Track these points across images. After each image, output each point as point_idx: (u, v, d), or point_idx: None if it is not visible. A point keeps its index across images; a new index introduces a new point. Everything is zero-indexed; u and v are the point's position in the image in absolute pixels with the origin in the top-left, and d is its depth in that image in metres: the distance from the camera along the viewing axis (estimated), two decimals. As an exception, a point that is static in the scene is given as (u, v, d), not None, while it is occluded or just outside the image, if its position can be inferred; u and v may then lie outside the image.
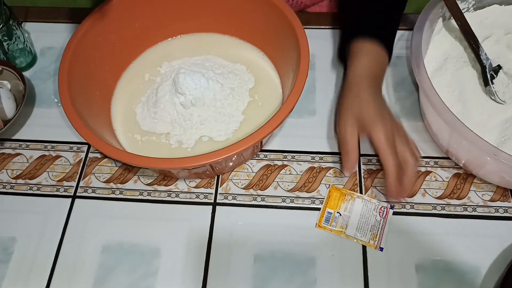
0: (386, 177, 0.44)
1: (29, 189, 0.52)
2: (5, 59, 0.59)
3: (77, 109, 0.45)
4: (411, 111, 0.55)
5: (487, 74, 0.51)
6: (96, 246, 0.48)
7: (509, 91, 0.51)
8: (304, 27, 0.49)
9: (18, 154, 0.54)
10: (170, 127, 0.51)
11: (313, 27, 0.63)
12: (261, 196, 0.50)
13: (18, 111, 0.54)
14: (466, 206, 0.48)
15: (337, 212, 0.47)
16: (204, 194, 0.50)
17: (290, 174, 0.51)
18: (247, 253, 0.46)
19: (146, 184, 0.51)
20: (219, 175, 0.52)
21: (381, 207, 0.47)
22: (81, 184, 0.52)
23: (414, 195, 0.49)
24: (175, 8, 0.56)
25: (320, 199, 0.49)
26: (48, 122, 0.57)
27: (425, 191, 0.49)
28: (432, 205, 0.48)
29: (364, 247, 0.46)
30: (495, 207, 0.48)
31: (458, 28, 0.52)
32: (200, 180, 0.51)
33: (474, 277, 0.44)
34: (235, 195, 0.50)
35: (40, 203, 0.51)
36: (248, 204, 0.49)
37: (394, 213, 0.48)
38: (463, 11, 0.55)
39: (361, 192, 0.49)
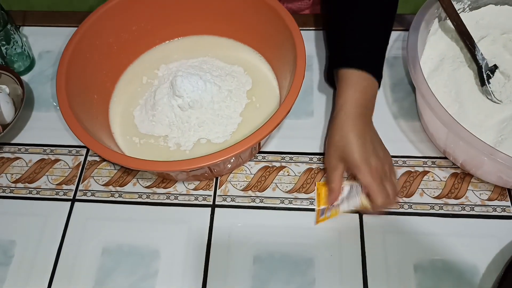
0: (373, 207, 0.44)
1: (29, 193, 0.52)
2: (3, 63, 0.59)
3: (75, 113, 0.45)
4: (408, 112, 0.55)
5: (484, 74, 0.51)
6: (95, 248, 0.48)
7: (506, 91, 0.52)
8: (301, 28, 0.49)
9: (17, 158, 0.54)
10: (168, 130, 0.52)
11: (310, 28, 0.63)
12: (260, 198, 0.50)
13: (17, 115, 0.54)
14: (464, 206, 0.48)
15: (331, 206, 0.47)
16: (203, 196, 0.50)
17: (288, 175, 0.51)
18: (246, 254, 0.47)
19: (145, 187, 0.51)
20: (217, 177, 0.52)
21: None
22: (80, 187, 0.52)
23: (412, 195, 0.49)
24: (172, 11, 0.56)
25: (318, 200, 0.49)
26: (46, 125, 0.57)
27: (423, 191, 0.49)
28: (430, 205, 0.49)
29: (363, 248, 0.46)
30: (492, 207, 0.48)
31: (454, 28, 0.53)
32: (199, 182, 0.52)
33: (472, 276, 0.44)
34: (234, 196, 0.50)
35: (40, 206, 0.51)
36: (246, 206, 0.50)
37: (392, 213, 0.48)
38: (458, 12, 0.55)
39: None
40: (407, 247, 0.46)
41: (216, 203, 0.50)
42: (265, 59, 0.57)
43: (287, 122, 0.55)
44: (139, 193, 0.51)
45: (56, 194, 0.51)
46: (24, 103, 0.54)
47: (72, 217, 0.50)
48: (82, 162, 0.54)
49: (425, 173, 0.51)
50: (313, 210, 0.49)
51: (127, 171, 0.53)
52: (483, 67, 0.52)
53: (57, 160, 0.54)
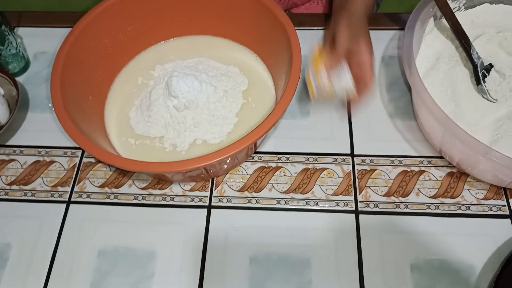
0: (364, 91, 0.47)
1: (24, 195, 0.51)
2: (-3, 64, 0.59)
3: (70, 114, 0.45)
4: (404, 111, 0.55)
5: (479, 73, 0.51)
6: (91, 250, 0.47)
7: (501, 90, 0.52)
8: (297, 28, 0.49)
9: (12, 160, 0.54)
10: (164, 131, 0.51)
11: (306, 28, 0.63)
12: (256, 198, 0.50)
13: (11, 117, 0.54)
14: (460, 205, 0.48)
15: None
16: (199, 197, 0.50)
17: (284, 175, 0.51)
18: (243, 255, 0.46)
19: (141, 188, 0.51)
20: (213, 178, 0.52)
21: None
22: (75, 189, 0.52)
23: (408, 194, 0.49)
24: (167, 11, 0.56)
25: (314, 201, 0.49)
26: (42, 127, 0.56)
27: (419, 190, 0.49)
28: (426, 204, 0.49)
29: (359, 248, 0.46)
30: (488, 206, 0.48)
31: (450, 27, 0.53)
32: (195, 183, 0.51)
33: (468, 276, 0.44)
34: (230, 197, 0.50)
35: (35, 209, 0.50)
36: (243, 207, 0.49)
37: (389, 213, 0.48)
38: (454, 10, 0.55)
39: (355, 194, 0.50)
40: (403, 246, 0.46)
41: (212, 204, 0.50)
42: (260, 59, 0.57)
43: (283, 122, 0.55)
44: (135, 195, 0.51)
45: (51, 196, 0.51)
46: (19, 104, 0.54)
47: (68, 219, 0.50)
48: (77, 164, 0.53)
49: (421, 172, 0.51)
50: (309, 210, 0.49)
51: (123, 172, 0.53)
52: (479, 66, 0.52)
53: (52, 162, 0.54)
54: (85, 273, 0.46)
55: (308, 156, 0.52)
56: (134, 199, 0.51)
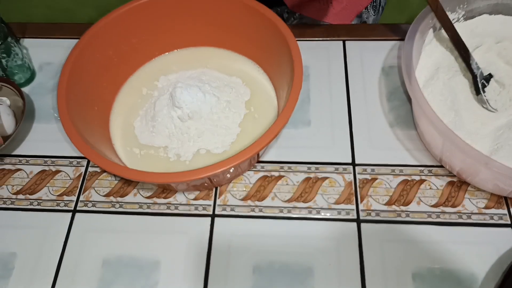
0: None
1: (30, 204, 0.52)
2: (4, 75, 0.60)
3: (75, 125, 0.46)
4: (404, 120, 0.56)
5: (479, 83, 0.52)
6: (96, 259, 0.48)
7: (501, 99, 0.52)
8: (298, 39, 0.50)
9: (18, 169, 0.55)
10: (168, 141, 0.52)
11: (307, 39, 0.64)
12: (259, 207, 0.50)
13: (17, 127, 0.54)
14: (461, 214, 0.49)
15: None
16: (203, 206, 0.51)
17: (287, 184, 0.52)
18: (246, 264, 0.47)
19: (146, 197, 0.52)
20: (217, 187, 0.52)
21: None
22: (81, 198, 0.52)
23: (410, 203, 0.50)
24: (171, 23, 0.57)
25: (316, 209, 0.50)
26: (47, 137, 0.57)
27: (420, 199, 0.50)
28: (427, 213, 0.49)
29: (361, 257, 0.47)
30: (489, 215, 0.49)
31: (449, 38, 0.53)
32: (199, 192, 0.52)
33: (470, 285, 0.45)
34: (233, 206, 0.51)
35: (41, 218, 0.51)
36: (246, 215, 0.50)
37: (390, 222, 0.49)
38: (453, 21, 0.56)
39: (357, 203, 0.50)
40: (405, 255, 0.47)
41: (216, 212, 0.50)
42: (263, 70, 0.57)
43: (285, 131, 0.56)
44: (140, 204, 0.51)
45: (57, 205, 0.52)
46: (25, 115, 0.55)
47: (73, 228, 0.50)
48: (83, 173, 0.54)
49: (422, 181, 0.51)
50: (312, 219, 0.49)
51: (128, 181, 0.53)
52: (478, 76, 0.52)
53: (58, 171, 0.54)
54: (90, 282, 0.47)
55: (310, 165, 0.53)
56: (139, 208, 0.51)
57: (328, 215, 0.49)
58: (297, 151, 0.54)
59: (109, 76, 0.55)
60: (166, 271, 0.47)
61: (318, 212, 0.50)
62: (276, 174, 0.53)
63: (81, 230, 0.50)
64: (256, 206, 0.51)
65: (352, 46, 0.63)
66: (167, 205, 0.51)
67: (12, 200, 0.53)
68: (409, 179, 0.51)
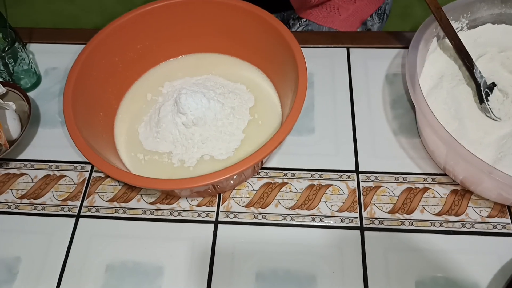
0: None
1: (34, 209, 0.52)
2: (10, 80, 0.60)
3: (81, 130, 0.46)
4: (408, 128, 0.56)
5: (482, 92, 0.52)
6: (100, 265, 0.48)
7: (504, 108, 0.52)
8: (302, 46, 0.50)
9: (23, 174, 0.55)
10: (172, 147, 0.52)
11: (311, 46, 0.64)
12: (262, 214, 0.51)
13: (23, 131, 0.55)
14: (465, 223, 0.49)
15: None
16: (206, 212, 0.51)
17: (290, 191, 0.52)
18: (249, 271, 0.47)
19: (149, 203, 0.52)
20: (220, 194, 0.52)
21: None
22: (85, 203, 0.52)
23: (413, 212, 0.50)
24: (176, 29, 0.58)
25: (320, 217, 0.50)
26: (52, 142, 0.58)
27: (424, 207, 0.50)
28: (431, 221, 0.49)
29: (364, 265, 0.47)
30: (493, 223, 0.49)
31: (452, 47, 0.54)
32: (202, 198, 0.52)
33: (473, 293, 0.45)
34: (237, 213, 0.51)
35: (45, 222, 0.51)
36: (249, 222, 0.50)
37: (393, 230, 0.49)
38: (457, 30, 0.56)
39: (360, 210, 0.50)
40: (408, 263, 0.47)
41: (219, 219, 0.50)
42: (267, 77, 0.58)
43: (288, 138, 0.56)
44: (143, 209, 0.52)
45: (61, 210, 0.52)
46: (30, 119, 0.55)
47: (77, 233, 0.50)
48: (87, 178, 0.54)
49: (426, 190, 0.51)
50: (315, 227, 0.49)
51: (131, 187, 0.53)
52: (482, 85, 0.53)
53: (62, 176, 0.55)
54: None
55: (314, 173, 0.53)
56: (142, 213, 0.51)
57: (331, 222, 0.50)
58: (300, 158, 0.54)
59: (114, 82, 0.56)
60: (169, 277, 0.47)
61: (322, 220, 0.50)
62: (280, 181, 0.53)
63: (85, 235, 0.50)
64: (260, 213, 0.51)
65: (356, 53, 0.63)
66: (171, 211, 0.51)
67: (16, 204, 0.53)
68: (413, 187, 0.51)
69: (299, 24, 0.75)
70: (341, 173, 0.53)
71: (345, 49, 0.64)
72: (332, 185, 0.52)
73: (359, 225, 0.49)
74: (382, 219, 0.49)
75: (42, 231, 0.51)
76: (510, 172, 0.42)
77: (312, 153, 0.55)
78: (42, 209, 0.52)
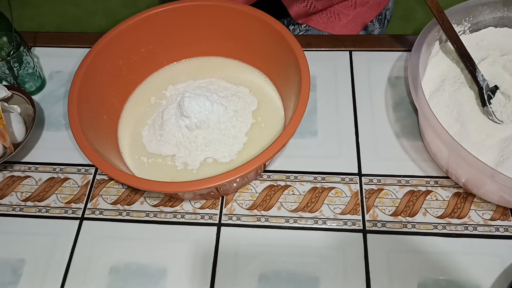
0: None
1: (38, 211, 0.53)
2: (15, 84, 0.61)
3: (85, 133, 0.47)
4: (411, 131, 0.56)
5: (484, 95, 0.52)
6: (104, 267, 0.48)
7: (507, 111, 0.53)
8: (305, 49, 0.50)
9: (28, 176, 0.56)
10: (175, 149, 0.53)
11: (314, 49, 0.65)
12: (265, 217, 0.51)
13: (27, 134, 0.55)
14: (467, 225, 0.49)
15: None
16: (209, 215, 0.51)
17: (293, 194, 0.52)
18: (252, 273, 0.47)
19: (152, 206, 0.52)
20: (223, 196, 0.53)
21: None
22: (88, 206, 0.53)
23: (415, 214, 0.50)
24: (179, 33, 0.58)
25: (323, 220, 0.50)
26: (56, 145, 0.58)
27: (426, 210, 0.50)
28: (433, 224, 0.49)
29: (367, 267, 0.47)
30: (495, 226, 0.49)
31: (455, 50, 0.54)
32: (205, 201, 0.52)
33: (476, 296, 0.45)
34: (239, 215, 0.51)
35: (49, 225, 0.52)
36: (252, 225, 0.50)
37: (396, 232, 0.49)
38: (459, 34, 0.57)
39: (363, 213, 0.50)
40: (411, 266, 0.47)
41: (222, 222, 0.51)
42: (270, 80, 0.58)
43: (291, 141, 0.56)
44: (147, 212, 0.52)
45: (65, 213, 0.52)
46: (35, 122, 0.56)
47: (81, 235, 0.51)
48: (90, 181, 0.55)
49: (428, 192, 0.51)
50: (318, 229, 0.50)
51: (135, 190, 0.54)
52: (484, 88, 0.53)
53: (66, 179, 0.55)
54: (97, 290, 0.47)
55: (316, 175, 0.53)
56: (146, 216, 0.52)
57: (334, 225, 0.50)
58: (303, 161, 0.54)
59: (118, 85, 0.56)
60: (172, 279, 0.47)
61: (324, 222, 0.50)
62: (283, 183, 0.53)
63: (89, 238, 0.51)
64: (262, 215, 0.51)
65: (359, 56, 0.64)
66: (174, 213, 0.52)
67: (21, 207, 0.53)
68: (415, 189, 0.51)
69: (299, 29, 0.75)
70: (344, 176, 0.53)
71: (348, 52, 0.64)
72: (334, 187, 0.52)
73: (361, 227, 0.49)
74: (384, 222, 0.49)
75: (46, 233, 0.51)
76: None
77: (314, 156, 0.55)
78: (46, 212, 0.53)
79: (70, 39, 0.69)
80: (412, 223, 0.49)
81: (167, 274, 0.48)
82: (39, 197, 0.54)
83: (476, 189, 0.50)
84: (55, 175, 0.56)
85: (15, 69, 0.59)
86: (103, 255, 0.49)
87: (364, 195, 0.51)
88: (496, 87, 0.54)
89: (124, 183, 0.50)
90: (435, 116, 0.46)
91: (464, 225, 0.49)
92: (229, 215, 0.51)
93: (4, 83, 0.62)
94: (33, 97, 0.61)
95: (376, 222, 0.50)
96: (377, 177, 0.53)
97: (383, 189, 0.52)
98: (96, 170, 0.56)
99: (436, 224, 0.49)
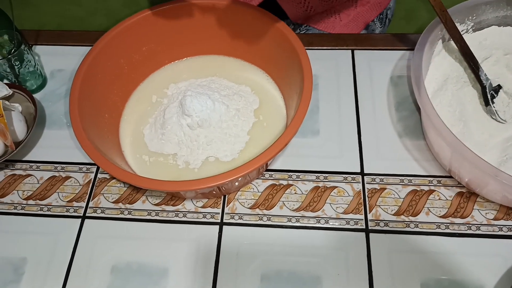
0: None
1: (40, 210, 0.53)
2: (16, 82, 0.61)
3: (86, 132, 0.46)
4: (413, 130, 0.56)
5: (488, 94, 0.52)
6: (105, 266, 0.48)
7: (510, 110, 0.52)
8: (307, 48, 0.50)
9: (29, 175, 0.55)
10: (177, 148, 0.52)
11: (316, 48, 0.65)
12: (267, 216, 0.51)
13: (29, 133, 0.55)
14: (470, 225, 0.49)
15: None
16: (211, 214, 0.51)
17: (295, 193, 0.52)
18: (254, 272, 0.47)
19: (154, 204, 0.52)
20: (225, 195, 0.52)
21: None
22: (90, 204, 0.53)
23: (418, 214, 0.50)
24: (181, 32, 0.58)
25: (325, 219, 0.50)
26: (58, 143, 0.58)
27: (429, 210, 0.50)
28: (436, 224, 0.49)
29: (369, 267, 0.47)
30: (498, 226, 0.48)
31: (458, 49, 0.54)
32: (207, 200, 0.52)
33: (479, 296, 0.45)
34: (241, 214, 0.51)
35: (51, 223, 0.52)
36: (254, 224, 0.50)
37: (399, 232, 0.49)
38: (462, 33, 0.56)
39: (365, 212, 0.50)
40: (413, 266, 0.47)
41: (224, 221, 0.51)
42: (272, 79, 0.58)
43: (293, 140, 0.55)
44: (148, 211, 0.52)
45: (66, 211, 0.52)
46: (36, 121, 0.56)
47: (82, 234, 0.51)
48: (92, 180, 0.55)
49: (431, 192, 0.51)
50: (320, 228, 0.49)
51: (137, 188, 0.54)
52: (487, 87, 0.52)
53: (67, 178, 0.55)
54: (98, 289, 0.47)
55: (319, 174, 0.53)
56: (148, 215, 0.51)
57: (336, 224, 0.50)
58: (305, 160, 0.54)
59: (120, 84, 0.56)
60: (174, 278, 0.47)
61: (327, 222, 0.50)
62: (285, 182, 0.53)
63: (90, 237, 0.50)
64: (264, 214, 0.51)
65: (361, 55, 0.63)
66: (176, 212, 0.52)
67: (22, 205, 0.53)
68: (418, 189, 0.51)
69: (300, 29, 0.75)
70: (346, 175, 0.53)
71: (350, 51, 0.64)
72: (337, 187, 0.52)
73: (364, 227, 0.49)
74: (387, 221, 0.49)
75: (48, 232, 0.51)
76: (515, 175, 0.42)
77: (317, 155, 0.55)
78: (47, 210, 0.53)
79: (71, 37, 0.69)
80: (415, 223, 0.49)
81: (169, 273, 0.47)
82: (40, 196, 0.54)
83: (479, 188, 0.49)
84: (56, 174, 0.55)
85: (16, 67, 0.59)
86: (104, 254, 0.49)
87: (366, 194, 0.51)
88: (499, 86, 0.53)
89: (125, 182, 0.50)
90: (438, 116, 0.46)
91: (467, 225, 0.49)
92: (231, 214, 0.51)
93: (5, 81, 0.62)
94: (34, 95, 0.61)
95: (378, 221, 0.49)
96: (380, 177, 0.52)
97: (385, 189, 0.52)
98: (98, 168, 0.56)
99: (439, 224, 0.49)
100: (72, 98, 0.48)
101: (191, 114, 0.51)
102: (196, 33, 0.58)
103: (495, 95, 0.53)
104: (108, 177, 0.55)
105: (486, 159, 0.47)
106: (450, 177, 0.52)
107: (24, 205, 0.53)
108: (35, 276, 0.48)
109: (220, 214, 0.51)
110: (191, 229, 0.50)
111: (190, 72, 0.60)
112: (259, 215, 0.51)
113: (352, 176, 0.53)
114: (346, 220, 0.50)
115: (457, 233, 0.48)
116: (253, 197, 0.52)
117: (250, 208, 0.51)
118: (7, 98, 0.58)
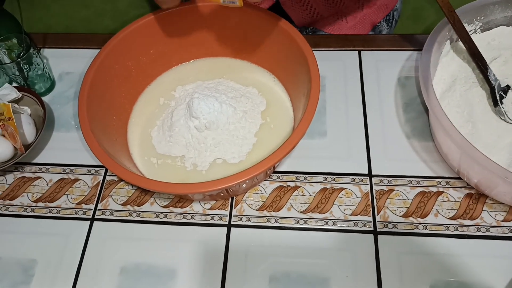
0: None
1: (49, 212, 0.53)
2: (25, 85, 0.61)
3: (95, 134, 0.47)
4: (421, 131, 0.56)
5: (496, 94, 0.52)
6: (114, 267, 0.49)
7: (519, 111, 0.52)
8: (313, 49, 0.50)
9: (38, 177, 0.56)
10: (185, 150, 0.53)
11: (323, 49, 0.64)
12: (275, 218, 0.51)
13: (38, 136, 0.56)
14: (479, 227, 0.48)
15: None
16: (219, 215, 0.51)
17: (303, 195, 0.52)
18: (262, 274, 0.47)
19: (162, 206, 0.52)
20: (233, 197, 0.53)
21: None
22: (99, 206, 0.53)
23: (427, 215, 0.49)
24: (188, 34, 0.58)
25: (333, 221, 0.50)
26: (66, 146, 0.58)
27: (438, 211, 0.50)
28: (445, 225, 0.49)
29: (378, 269, 0.46)
30: (508, 227, 0.48)
31: (466, 50, 0.53)
32: (215, 202, 0.52)
33: (489, 298, 0.44)
34: (249, 216, 0.51)
35: (60, 225, 0.52)
36: (262, 226, 0.50)
37: (407, 234, 0.48)
38: (470, 33, 0.56)
39: (373, 214, 0.50)
40: (422, 267, 0.46)
41: (232, 222, 0.51)
42: (279, 81, 0.58)
43: (300, 142, 0.55)
44: (157, 213, 0.52)
45: (75, 214, 0.53)
46: (45, 124, 0.56)
47: (91, 236, 0.51)
48: (101, 182, 0.55)
49: (440, 193, 0.51)
50: (328, 230, 0.49)
51: (145, 190, 0.54)
52: (496, 88, 0.52)
53: (76, 180, 0.55)
54: (107, 290, 0.47)
55: (326, 176, 0.53)
56: (156, 217, 0.52)
57: (344, 226, 0.49)
58: (313, 161, 0.54)
59: (127, 86, 0.56)
60: (182, 280, 0.47)
61: (335, 223, 0.50)
62: (292, 184, 0.53)
63: (99, 238, 0.51)
64: (272, 216, 0.51)
65: (368, 56, 0.63)
66: (184, 214, 0.52)
67: (32, 207, 0.54)
68: (426, 190, 0.51)
69: (306, 32, 0.75)
70: (354, 177, 0.53)
71: (357, 52, 0.64)
72: (345, 188, 0.52)
73: (372, 229, 0.49)
74: (395, 223, 0.49)
75: (57, 234, 0.51)
76: (525, 176, 0.42)
77: (324, 157, 0.55)
78: (57, 212, 0.53)
79: (79, 40, 0.69)
80: (423, 224, 0.49)
81: (177, 275, 0.48)
82: (50, 198, 0.54)
83: (488, 190, 0.49)
84: (65, 176, 0.56)
85: (25, 70, 0.60)
86: (113, 256, 0.49)
87: (374, 196, 0.51)
88: (508, 87, 0.53)
89: (134, 184, 0.51)
90: (447, 117, 0.45)
91: (477, 227, 0.48)
92: (238, 216, 0.51)
93: (14, 84, 0.62)
94: (43, 98, 0.61)
95: (387, 223, 0.49)
96: (388, 178, 0.52)
97: (394, 190, 0.51)
98: (106, 171, 0.56)
99: (448, 226, 0.49)
100: (81, 101, 0.49)
101: (199, 116, 0.51)
102: (203, 35, 0.59)
103: (504, 95, 0.52)
104: (116, 179, 0.55)
105: (495, 160, 0.46)
106: (459, 178, 0.52)
107: (34, 207, 0.54)
108: (45, 277, 0.49)
109: (228, 216, 0.51)
110: (199, 231, 0.50)
111: (197, 74, 0.60)
112: (267, 217, 0.51)
113: (360, 177, 0.53)
114: (354, 221, 0.50)
115: (466, 235, 0.48)
116: (260, 199, 0.52)
117: (257, 210, 0.51)
118: (17, 101, 0.59)
